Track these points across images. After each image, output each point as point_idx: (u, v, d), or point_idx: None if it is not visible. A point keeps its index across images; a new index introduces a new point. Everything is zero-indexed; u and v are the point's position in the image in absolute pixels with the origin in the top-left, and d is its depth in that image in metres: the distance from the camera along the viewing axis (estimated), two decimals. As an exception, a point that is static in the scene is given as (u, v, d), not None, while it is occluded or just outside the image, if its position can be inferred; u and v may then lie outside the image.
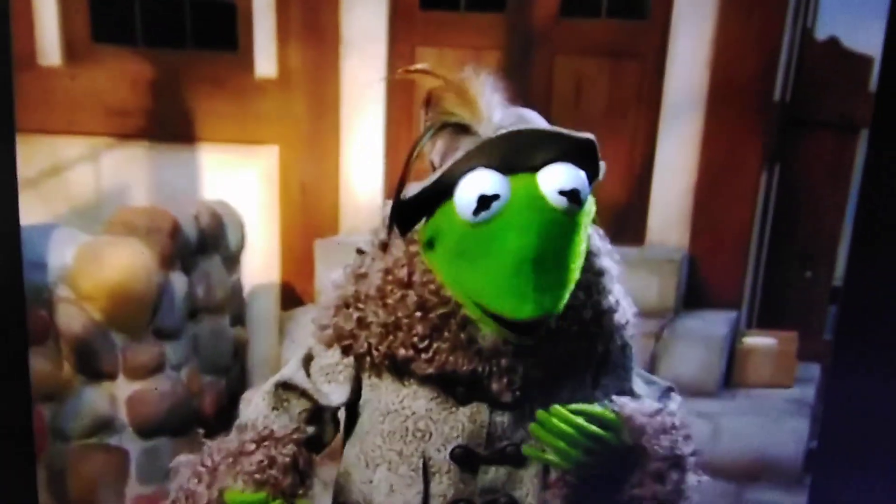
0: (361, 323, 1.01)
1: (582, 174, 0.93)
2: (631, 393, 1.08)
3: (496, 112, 0.94)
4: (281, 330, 3.03)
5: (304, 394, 1.07)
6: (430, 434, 1.01)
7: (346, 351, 1.03)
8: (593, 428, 0.95)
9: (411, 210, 0.96)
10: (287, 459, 1.02)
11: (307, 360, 1.08)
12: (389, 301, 0.99)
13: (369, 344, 1.00)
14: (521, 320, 0.91)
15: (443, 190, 0.93)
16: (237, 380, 3.04)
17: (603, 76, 3.10)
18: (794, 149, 3.27)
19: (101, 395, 2.46)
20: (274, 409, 1.08)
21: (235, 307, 3.03)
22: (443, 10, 3.10)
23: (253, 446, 1.03)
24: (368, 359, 1.02)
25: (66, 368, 2.42)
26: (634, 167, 3.11)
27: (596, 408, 0.98)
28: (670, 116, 3.04)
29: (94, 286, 2.39)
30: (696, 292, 3.07)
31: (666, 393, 1.13)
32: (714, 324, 2.92)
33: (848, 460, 1.54)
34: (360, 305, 1.01)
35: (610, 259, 1.05)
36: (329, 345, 1.04)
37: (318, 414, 1.08)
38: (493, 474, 1.02)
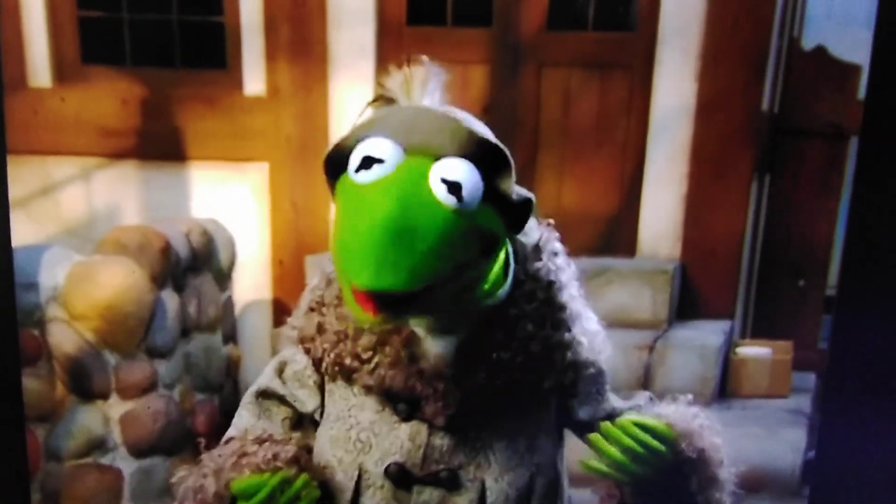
0: (320, 328, 1.02)
1: (477, 178, 0.89)
2: (612, 412, 1.08)
3: (426, 97, 0.94)
4: (273, 346, 3.01)
5: (282, 400, 1.08)
6: (371, 447, 1.02)
7: (307, 353, 1.05)
8: (654, 442, 0.97)
9: (333, 170, 0.94)
10: (290, 454, 1.02)
11: (281, 367, 1.09)
12: (342, 310, 1.00)
13: (323, 350, 1.02)
14: (366, 289, 0.86)
15: (347, 152, 0.92)
16: (230, 397, 3.02)
17: (591, 88, 3.12)
18: (784, 158, 3.28)
19: (94, 414, 2.46)
20: (259, 418, 1.09)
21: (227, 325, 3.03)
22: (430, 26, 3.11)
23: (255, 447, 1.03)
24: (323, 365, 1.03)
25: (59, 388, 2.41)
26: (624, 179, 3.12)
27: (652, 420, 0.99)
28: (659, 128, 3.06)
29: (87, 306, 2.39)
30: (688, 303, 3.07)
31: (650, 402, 1.13)
32: (708, 334, 2.92)
33: (846, 471, 1.53)
34: (323, 311, 1.03)
35: (573, 295, 1.04)
36: (296, 345, 1.06)
37: (300, 420, 1.09)
38: (426, 496, 1.01)
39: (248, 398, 1.11)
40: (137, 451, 2.53)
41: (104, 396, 2.46)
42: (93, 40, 3.26)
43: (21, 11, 3.17)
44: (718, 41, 2.95)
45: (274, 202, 3.24)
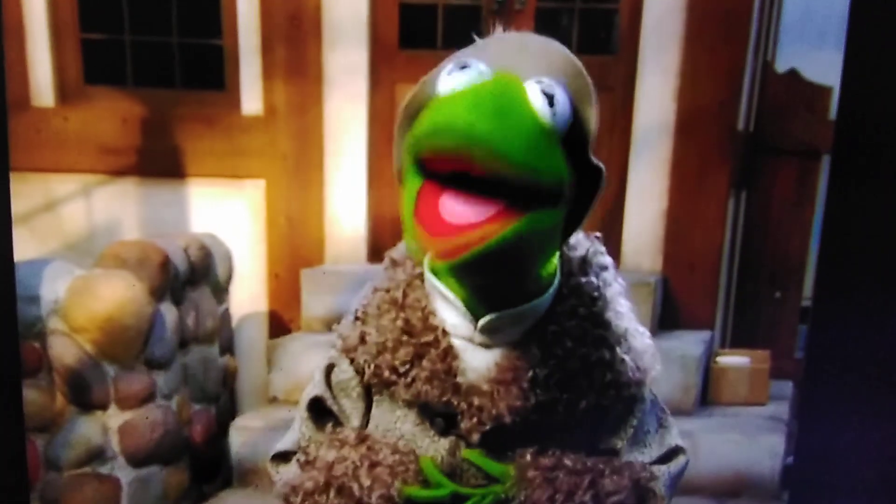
0: (363, 338, 0.99)
1: (567, 101, 0.85)
2: (613, 451, 1.01)
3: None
4: (269, 358, 3.05)
5: (331, 414, 1.05)
6: None
7: (351, 363, 1.01)
8: (466, 490, 0.94)
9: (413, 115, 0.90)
10: (406, 447, 0.98)
11: (328, 371, 1.05)
12: (383, 321, 0.98)
13: (364, 361, 0.98)
14: (458, 144, 0.78)
15: (430, 91, 0.88)
16: (226, 408, 3.06)
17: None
18: (760, 175, 3.34)
19: (93, 424, 2.48)
20: (318, 430, 1.05)
21: (224, 336, 3.06)
22: (420, 49, 3.19)
23: (364, 447, 0.97)
24: (364, 376, 0.99)
25: (59, 399, 2.44)
26: (608, 195, 3.16)
27: (490, 464, 0.95)
28: (641, 146, 3.13)
29: (87, 318, 2.42)
30: (670, 314, 3.13)
31: (665, 457, 1.04)
32: (689, 344, 2.96)
33: (824, 475, 1.56)
34: (367, 321, 0.99)
35: (619, 312, 0.99)
36: (340, 354, 1.02)
37: None
38: None
39: (304, 413, 1.06)
40: (135, 461, 2.55)
41: (103, 407, 2.49)
42: (95, 61, 3.32)
43: (25, 33, 3.22)
44: (696, 63, 3.04)
45: (270, 218, 3.28)
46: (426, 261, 0.98)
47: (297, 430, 1.07)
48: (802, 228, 3.29)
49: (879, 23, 1.44)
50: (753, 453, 2.69)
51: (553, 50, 0.91)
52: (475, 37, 0.94)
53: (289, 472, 1.03)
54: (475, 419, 0.94)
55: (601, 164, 0.90)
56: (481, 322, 0.95)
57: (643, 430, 1.03)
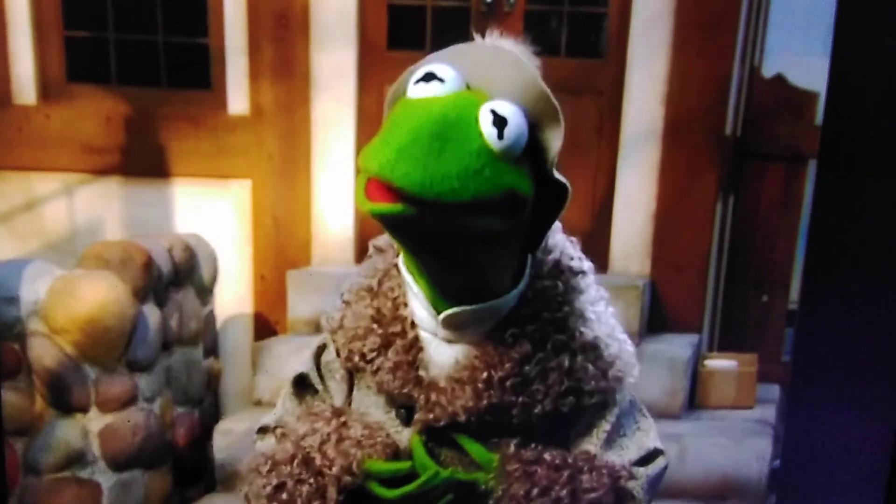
0: (342, 322, 1.02)
1: (524, 127, 0.88)
2: (585, 454, 1.00)
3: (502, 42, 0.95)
4: (254, 360, 3.03)
5: (316, 393, 1.08)
6: None
7: (334, 343, 1.04)
8: (458, 475, 0.95)
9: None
10: (384, 432, 0.99)
11: (319, 352, 1.08)
12: (357, 307, 1.01)
13: (342, 344, 1.01)
14: (378, 176, 0.83)
15: (406, 86, 0.91)
16: (210, 411, 3.03)
17: (564, 112, 3.19)
18: (747, 179, 3.37)
19: (74, 428, 2.45)
20: (299, 405, 1.08)
21: (209, 339, 3.03)
22: (408, 50, 3.18)
23: (336, 420, 0.99)
24: (341, 359, 1.02)
25: (39, 402, 2.40)
26: (597, 198, 3.21)
27: (478, 447, 0.96)
28: (629, 150, 3.14)
29: (68, 320, 2.39)
30: (658, 317, 3.15)
31: (643, 460, 1.04)
32: (677, 347, 2.98)
33: (810, 479, 1.58)
34: (349, 306, 1.03)
35: (589, 318, 0.99)
36: (329, 334, 1.05)
37: None
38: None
39: (289, 388, 1.09)
40: (116, 465, 2.52)
41: (84, 410, 2.46)
42: (78, 59, 3.28)
43: (7, 29, 3.19)
44: (684, 68, 3.06)
45: (256, 218, 3.27)
46: (402, 253, 1.00)
47: (280, 404, 1.09)
48: (789, 232, 3.32)
49: (865, 28, 1.45)
50: (740, 457, 2.71)
51: (522, 69, 0.92)
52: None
53: (266, 444, 1.06)
54: (430, 414, 0.96)
55: (564, 180, 0.93)
56: (441, 316, 0.97)
57: (618, 434, 1.03)
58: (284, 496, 0.97)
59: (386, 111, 0.94)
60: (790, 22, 3.49)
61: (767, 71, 3.44)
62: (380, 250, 1.05)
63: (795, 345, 1.78)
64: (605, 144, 3.17)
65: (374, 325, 0.98)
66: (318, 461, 0.96)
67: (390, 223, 0.89)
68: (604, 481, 0.96)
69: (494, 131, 0.86)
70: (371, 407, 1.01)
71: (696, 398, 3.02)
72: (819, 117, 3.12)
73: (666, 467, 1.06)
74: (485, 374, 0.95)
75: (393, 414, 0.99)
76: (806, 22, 3.36)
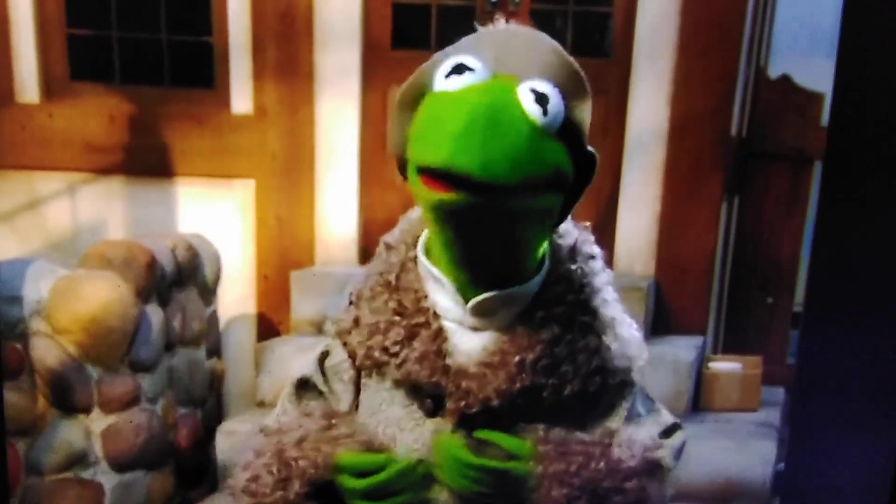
0: (357, 321, 1.02)
1: (560, 100, 0.90)
2: (609, 431, 1.02)
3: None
4: (257, 361, 3.03)
5: (320, 394, 1.08)
6: (395, 442, 1.00)
7: (344, 346, 1.04)
8: (493, 463, 0.94)
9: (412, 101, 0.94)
10: (363, 437, 1.00)
11: (323, 357, 1.08)
12: (376, 303, 1.00)
13: (357, 342, 1.01)
14: (442, 166, 0.85)
15: (431, 75, 0.92)
16: (213, 412, 3.02)
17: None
18: (752, 180, 3.37)
19: (76, 428, 2.44)
20: (298, 407, 1.08)
21: (211, 339, 3.03)
22: (413, 49, 3.16)
23: (325, 421, 1.01)
24: (357, 358, 1.02)
25: (41, 402, 2.40)
26: (601, 199, 3.20)
27: (505, 437, 0.96)
28: (634, 150, 3.13)
29: (70, 319, 2.39)
30: (662, 319, 3.14)
31: (665, 433, 1.06)
32: (681, 349, 2.97)
33: (814, 482, 1.58)
34: (360, 305, 1.02)
35: (606, 300, 1.01)
36: (335, 339, 1.06)
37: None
38: (446, 494, 0.98)
39: (289, 388, 1.10)
40: (119, 466, 2.52)
41: (86, 410, 2.45)
42: (82, 57, 3.28)
43: (10, 28, 3.18)
44: (690, 68, 3.05)
45: (259, 218, 3.26)
46: (420, 243, 1.02)
47: (280, 406, 1.10)
48: (794, 234, 3.32)
49: (871, 30, 1.45)
50: (744, 459, 2.70)
51: (545, 47, 0.94)
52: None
53: (256, 440, 1.07)
54: (463, 402, 0.96)
55: (594, 152, 0.96)
56: (472, 302, 0.98)
57: (635, 413, 1.05)
58: (253, 486, 1.00)
59: (398, 110, 0.95)
60: (796, 23, 3.49)
61: (773, 71, 3.44)
62: (390, 247, 1.05)
63: (800, 347, 1.78)
64: (610, 144, 3.15)
65: (397, 318, 0.98)
66: (287, 453, 0.99)
67: (455, 213, 0.89)
68: (635, 452, 0.98)
69: (539, 108, 0.88)
70: (383, 404, 1.02)
71: (700, 400, 3.02)
72: (825, 118, 3.10)
73: (685, 441, 1.09)
74: (517, 358, 0.96)
75: (414, 407, 0.99)
76: (812, 23, 3.36)
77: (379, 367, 1.00)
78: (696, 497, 2.59)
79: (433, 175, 0.88)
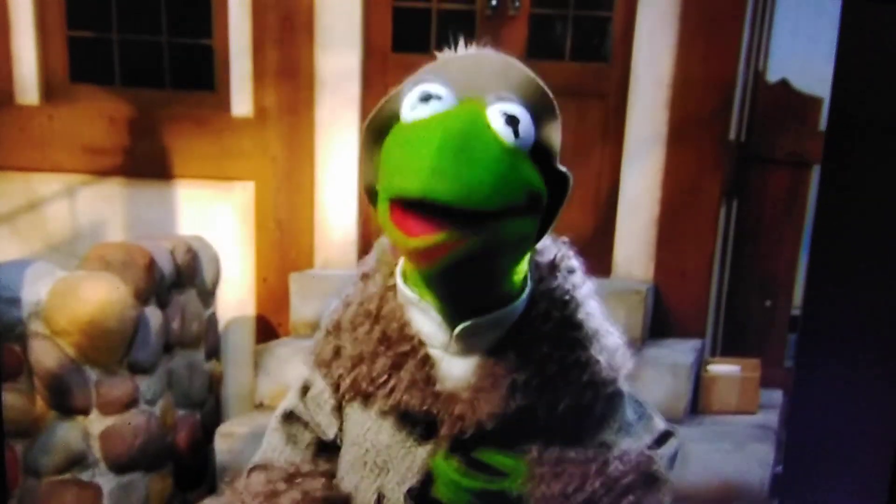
0: (337, 352, 1.01)
1: (530, 121, 0.89)
2: (603, 444, 1.03)
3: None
4: (256, 363, 3.02)
5: (307, 426, 1.08)
6: (388, 470, 1.00)
7: (325, 378, 1.04)
8: (490, 485, 0.95)
9: (376, 135, 0.94)
10: (319, 494, 1.01)
11: (304, 390, 1.08)
12: (358, 333, 1.00)
13: (339, 374, 1.00)
14: (417, 196, 0.83)
15: (392, 114, 0.91)
16: (211, 414, 3.02)
17: (568, 115, 3.13)
18: (751, 184, 3.38)
19: (74, 430, 2.44)
20: (287, 444, 1.09)
21: (210, 341, 3.03)
22: (413, 53, 3.18)
23: (284, 486, 1.02)
24: (340, 389, 1.01)
25: (39, 404, 2.40)
26: (600, 202, 3.20)
27: (501, 457, 0.97)
28: (633, 154, 3.14)
29: (69, 321, 2.39)
30: (661, 322, 3.14)
31: (657, 442, 1.07)
32: (680, 352, 2.98)
33: (812, 484, 1.59)
34: (340, 335, 1.02)
35: (590, 312, 1.01)
36: (314, 369, 1.05)
37: (324, 446, 1.08)
38: None
39: (274, 422, 1.10)
40: (117, 467, 2.51)
41: (85, 412, 2.45)
42: (82, 59, 3.28)
43: (10, 29, 3.18)
44: (688, 73, 3.05)
45: (259, 221, 3.26)
46: (398, 272, 1.01)
47: (265, 441, 1.11)
48: (792, 238, 3.33)
49: (869, 35, 1.46)
50: (743, 462, 2.71)
51: (511, 69, 0.93)
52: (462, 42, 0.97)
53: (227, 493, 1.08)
54: (456, 426, 0.96)
55: (567, 172, 0.94)
56: (458, 329, 0.97)
57: (626, 423, 1.06)
58: None
59: (365, 141, 0.94)
60: (795, 27, 3.50)
61: (772, 76, 3.46)
62: (366, 276, 1.04)
63: (798, 350, 1.78)
64: (609, 148, 3.17)
65: (382, 348, 0.98)
66: None
67: (434, 254, 0.87)
68: (631, 467, 0.98)
69: (509, 130, 0.87)
70: (369, 433, 1.01)
71: (698, 403, 3.02)
72: (823, 123, 3.12)
73: (679, 447, 1.09)
74: (508, 380, 0.95)
75: (404, 434, 0.99)
76: (810, 27, 3.37)
77: (366, 398, 1.00)
78: (694, 499, 2.59)
79: (407, 206, 0.85)
